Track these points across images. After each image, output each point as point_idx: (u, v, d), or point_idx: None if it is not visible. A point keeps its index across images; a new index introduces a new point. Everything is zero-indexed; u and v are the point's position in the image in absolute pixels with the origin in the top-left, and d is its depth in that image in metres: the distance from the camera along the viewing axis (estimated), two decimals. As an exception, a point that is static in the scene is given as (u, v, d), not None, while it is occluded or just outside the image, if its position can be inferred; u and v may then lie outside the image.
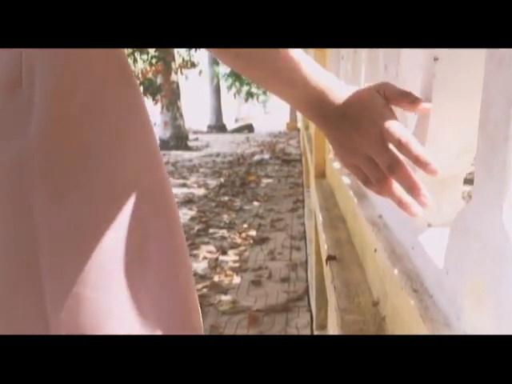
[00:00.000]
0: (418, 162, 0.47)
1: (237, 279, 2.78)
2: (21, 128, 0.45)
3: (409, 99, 0.50)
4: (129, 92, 0.51)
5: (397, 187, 0.49)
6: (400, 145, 0.48)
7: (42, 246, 0.44)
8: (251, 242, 3.50)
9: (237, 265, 3.02)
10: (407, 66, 0.70)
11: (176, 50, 9.75)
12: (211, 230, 3.81)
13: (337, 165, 1.57)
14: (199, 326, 0.55)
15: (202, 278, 2.82)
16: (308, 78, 0.52)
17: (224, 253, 3.26)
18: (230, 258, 3.17)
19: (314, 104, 0.53)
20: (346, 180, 1.27)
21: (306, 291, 2.58)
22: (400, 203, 0.49)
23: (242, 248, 3.37)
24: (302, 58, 0.52)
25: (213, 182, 5.91)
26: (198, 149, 9.84)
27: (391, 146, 0.49)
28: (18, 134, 0.45)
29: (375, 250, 0.76)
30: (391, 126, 0.48)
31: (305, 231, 3.63)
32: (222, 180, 6.03)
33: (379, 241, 0.74)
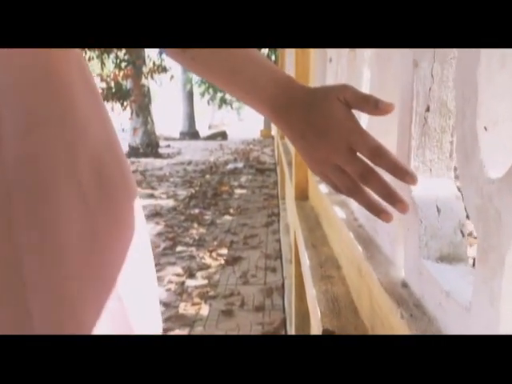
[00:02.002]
0: (395, 170, 0.46)
1: (205, 308, 2.47)
2: None
3: (371, 103, 0.48)
4: (94, 97, 0.51)
5: (369, 194, 0.49)
6: (373, 156, 0.46)
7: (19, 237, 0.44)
8: (222, 262, 3.20)
9: (205, 290, 2.71)
10: (467, 63, 0.43)
11: (146, 55, 9.40)
12: (178, 248, 3.49)
13: (324, 188, 1.29)
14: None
15: (165, 306, 2.50)
16: (267, 80, 0.52)
17: (192, 275, 2.94)
18: (198, 281, 2.86)
19: (276, 106, 0.53)
20: (341, 213, 0.99)
21: (283, 323, 2.29)
22: (373, 210, 0.49)
23: (212, 270, 3.06)
24: (260, 59, 0.53)
25: (183, 193, 5.58)
26: (169, 156, 9.49)
27: (360, 155, 0.48)
28: None
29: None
30: (360, 137, 0.47)
31: (280, 249, 3.35)
32: (193, 190, 5.70)
33: (415, 333, 0.46)
